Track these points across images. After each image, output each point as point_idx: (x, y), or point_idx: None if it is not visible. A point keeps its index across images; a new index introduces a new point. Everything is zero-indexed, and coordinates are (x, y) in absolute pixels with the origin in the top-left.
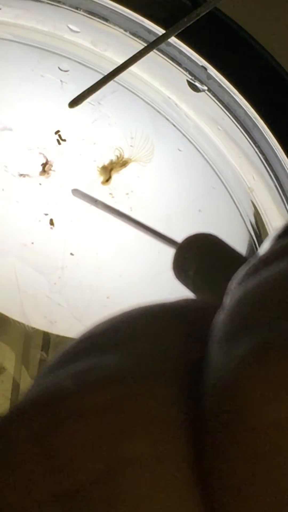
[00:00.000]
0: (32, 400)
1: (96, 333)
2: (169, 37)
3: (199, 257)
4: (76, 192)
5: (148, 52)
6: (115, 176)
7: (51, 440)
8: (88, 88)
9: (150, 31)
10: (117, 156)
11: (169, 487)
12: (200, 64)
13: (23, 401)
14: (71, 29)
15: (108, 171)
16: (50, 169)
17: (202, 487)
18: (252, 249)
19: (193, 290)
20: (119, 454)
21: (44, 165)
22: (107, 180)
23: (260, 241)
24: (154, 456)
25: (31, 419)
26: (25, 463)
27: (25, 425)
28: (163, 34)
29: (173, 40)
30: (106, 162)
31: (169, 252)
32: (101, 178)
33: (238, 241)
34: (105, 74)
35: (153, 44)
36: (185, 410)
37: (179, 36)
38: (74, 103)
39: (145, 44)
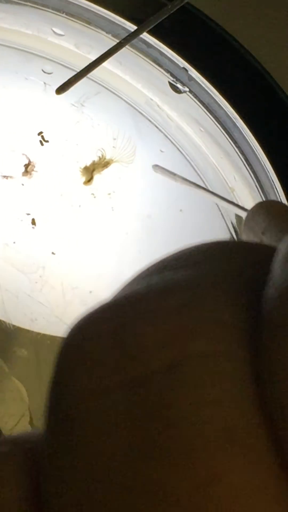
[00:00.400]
0: (111, 302)
1: (169, 257)
2: (146, 28)
3: (268, 219)
4: (156, 167)
5: (137, 36)
6: (97, 176)
7: (124, 334)
8: (75, 74)
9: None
10: (99, 157)
11: (228, 379)
12: (181, 66)
13: (104, 303)
14: (55, 32)
15: (90, 171)
16: (33, 170)
17: (257, 381)
18: None
19: None
20: (184, 349)
21: (26, 166)
22: (89, 180)
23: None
24: (216, 352)
25: (108, 316)
26: (98, 352)
27: (102, 321)
28: (146, 22)
29: (154, 42)
30: (88, 163)
31: (149, 251)
32: (83, 179)
33: None
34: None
35: (144, 27)
36: (247, 315)
37: (160, 38)
38: (61, 89)
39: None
